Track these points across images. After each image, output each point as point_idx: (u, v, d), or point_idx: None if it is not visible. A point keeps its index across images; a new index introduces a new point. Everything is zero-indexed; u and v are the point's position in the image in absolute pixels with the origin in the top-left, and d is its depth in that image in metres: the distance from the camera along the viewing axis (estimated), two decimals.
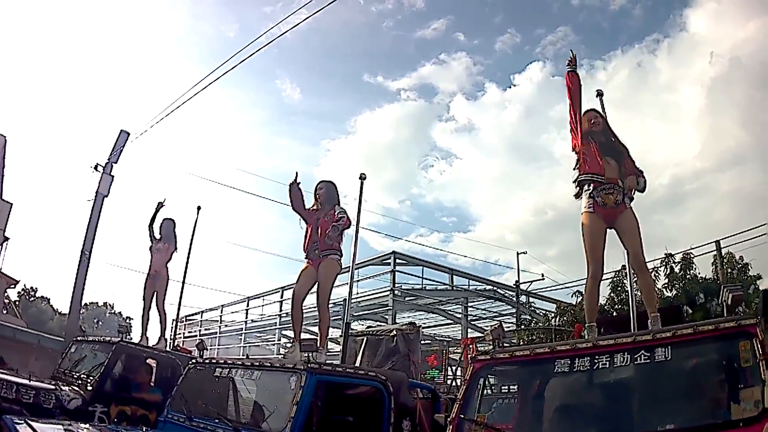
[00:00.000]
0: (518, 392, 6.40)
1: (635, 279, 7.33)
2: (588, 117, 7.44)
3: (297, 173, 9.72)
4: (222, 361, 8.17)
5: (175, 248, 13.33)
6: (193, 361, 8.53)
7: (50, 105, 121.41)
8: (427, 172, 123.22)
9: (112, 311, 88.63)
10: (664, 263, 19.77)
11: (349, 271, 10.17)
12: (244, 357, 9.49)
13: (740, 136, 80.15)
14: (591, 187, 6.94)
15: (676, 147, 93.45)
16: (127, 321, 76.62)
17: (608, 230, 6.92)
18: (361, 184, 9.98)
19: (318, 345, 8.49)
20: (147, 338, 12.76)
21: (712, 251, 20.47)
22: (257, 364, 7.47)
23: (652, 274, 19.16)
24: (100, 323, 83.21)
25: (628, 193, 6.94)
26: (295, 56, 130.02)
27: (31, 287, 75.41)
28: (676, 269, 19.66)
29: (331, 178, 9.86)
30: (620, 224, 6.84)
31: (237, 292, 52.29)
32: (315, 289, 9.51)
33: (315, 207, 9.75)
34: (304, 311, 10.30)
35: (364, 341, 11.22)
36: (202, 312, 39.39)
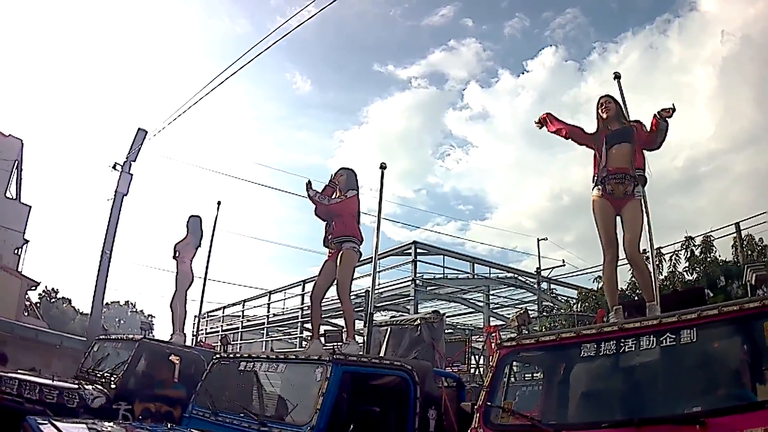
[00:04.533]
0: (544, 377, 6.42)
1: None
2: (599, 103, 7.48)
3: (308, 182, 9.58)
4: (246, 355, 8.17)
5: (199, 244, 13.33)
6: (217, 356, 8.53)
7: (67, 106, 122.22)
8: (444, 161, 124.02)
9: (134, 310, 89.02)
10: (684, 247, 19.68)
11: (371, 261, 10.16)
12: (269, 351, 9.46)
13: (754, 115, 79.97)
14: (603, 175, 7.00)
15: (690, 128, 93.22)
16: (150, 319, 76.95)
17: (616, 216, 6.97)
18: (382, 173, 9.86)
19: (344, 336, 8.50)
20: (184, 335, 12.79)
21: (731, 233, 20.35)
22: (282, 357, 7.47)
23: (673, 258, 19.21)
24: (122, 322, 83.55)
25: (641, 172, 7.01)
26: (303, 48, 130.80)
27: (53, 289, 75.76)
28: (697, 252, 19.58)
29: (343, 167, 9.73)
30: (624, 213, 6.91)
31: (258, 287, 52.36)
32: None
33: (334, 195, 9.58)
34: (326, 303, 10.26)
35: (388, 331, 11.23)
36: (224, 307, 39.42)
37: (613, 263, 6.99)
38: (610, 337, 5.27)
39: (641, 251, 7.13)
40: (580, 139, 7.47)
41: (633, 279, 19.24)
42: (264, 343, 33.26)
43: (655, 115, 7.07)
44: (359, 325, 21.07)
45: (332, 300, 14.58)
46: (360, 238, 9.31)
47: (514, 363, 6.24)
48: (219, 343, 9.67)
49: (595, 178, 7.13)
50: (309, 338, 10.34)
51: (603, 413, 5.13)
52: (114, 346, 11.52)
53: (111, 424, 7.64)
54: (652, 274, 7.01)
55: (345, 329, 9.17)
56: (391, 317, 18.70)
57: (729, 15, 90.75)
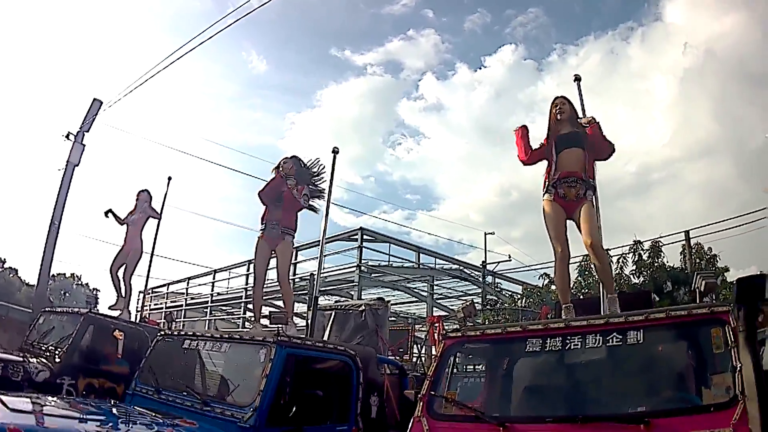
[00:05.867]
0: (488, 370, 6.45)
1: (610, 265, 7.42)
2: (554, 104, 7.48)
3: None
4: (191, 334, 8.12)
5: (155, 215, 13.30)
6: (162, 333, 8.47)
7: (22, 73, 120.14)
8: (395, 149, 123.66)
9: (80, 282, 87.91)
10: (632, 250, 19.84)
11: (318, 245, 10.21)
12: (213, 329, 9.52)
13: (711, 127, 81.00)
14: (555, 179, 7.05)
15: (645, 135, 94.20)
16: (95, 292, 76.25)
17: (568, 220, 7.00)
18: (334, 158, 9.93)
19: (287, 318, 8.53)
20: (129, 312, 12.75)
21: (680, 240, 20.61)
22: (227, 336, 7.45)
23: (620, 260, 19.40)
24: (68, 295, 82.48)
25: (591, 181, 7.08)
26: (260, 27, 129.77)
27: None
28: (644, 257, 19.76)
29: (296, 152, 9.94)
30: (578, 213, 6.93)
31: (202, 264, 52.16)
32: (273, 265, 9.67)
33: (277, 179, 9.70)
34: (267, 285, 10.40)
35: (333, 315, 11.24)
36: (168, 284, 39.20)
37: (564, 260, 7.04)
38: (556, 333, 5.33)
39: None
40: (538, 158, 7.44)
41: (579, 279, 19.49)
42: (207, 321, 33.16)
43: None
44: (303, 308, 21.08)
45: (273, 282, 14.62)
46: (296, 231, 9.81)
47: (458, 354, 6.25)
48: (164, 320, 9.61)
49: (546, 183, 7.17)
50: (251, 321, 10.44)
51: (547, 408, 5.17)
52: (59, 319, 11.38)
53: (56, 399, 7.55)
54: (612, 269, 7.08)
55: (285, 311, 9.36)
56: (336, 302, 18.75)
57: (693, 28, 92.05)
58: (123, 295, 12.75)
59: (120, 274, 12.93)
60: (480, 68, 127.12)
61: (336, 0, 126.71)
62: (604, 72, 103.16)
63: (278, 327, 7.49)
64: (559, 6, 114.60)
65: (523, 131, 7.54)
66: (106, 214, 13.22)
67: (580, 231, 6.94)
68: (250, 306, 29.33)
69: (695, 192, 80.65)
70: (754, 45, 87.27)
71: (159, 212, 13.52)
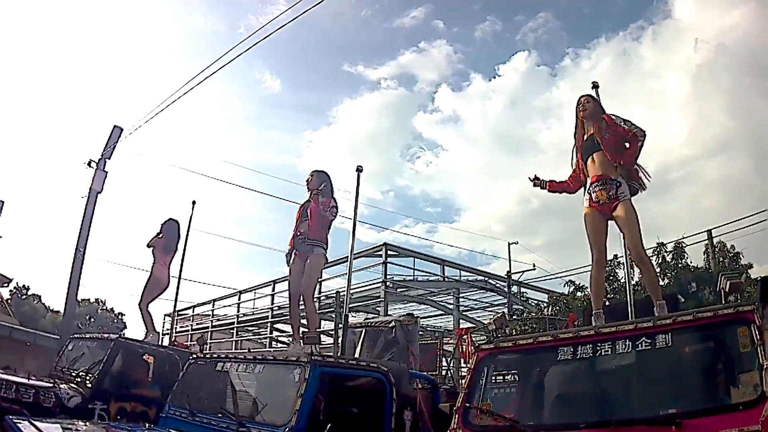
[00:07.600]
0: (520, 380, 6.50)
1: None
2: (579, 103, 7.65)
3: None
4: (223, 356, 8.18)
5: (175, 249, 13.27)
6: (194, 356, 8.55)
7: (42, 101, 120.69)
8: (414, 163, 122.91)
9: (104, 308, 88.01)
10: (655, 252, 19.78)
11: (346, 262, 10.27)
12: (246, 351, 9.55)
13: (727, 122, 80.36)
14: (587, 186, 7.23)
15: (661, 134, 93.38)
16: (120, 317, 76.56)
17: (609, 221, 7.11)
18: (358, 176, 10.00)
19: (319, 337, 8.60)
20: (158, 334, 12.80)
21: (703, 240, 20.54)
22: (260, 357, 7.53)
23: None
24: (93, 320, 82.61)
25: (626, 179, 7.11)
26: (272, 47, 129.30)
27: (23, 285, 75.03)
28: (668, 258, 19.71)
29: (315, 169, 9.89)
30: (616, 217, 7.04)
31: (226, 286, 52.07)
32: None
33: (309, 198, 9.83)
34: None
35: (363, 333, 11.29)
36: (194, 306, 39.14)
37: (600, 266, 7.20)
38: (587, 340, 5.39)
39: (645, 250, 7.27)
40: (581, 181, 7.65)
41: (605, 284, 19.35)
42: (233, 342, 33.15)
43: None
44: (330, 325, 21.11)
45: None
46: (328, 245, 9.74)
47: (493, 365, 6.31)
48: (195, 343, 9.69)
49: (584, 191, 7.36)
50: (278, 340, 10.54)
51: (580, 415, 5.22)
52: (89, 345, 11.48)
53: (89, 424, 7.66)
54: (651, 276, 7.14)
55: (308, 329, 9.40)
56: (365, 319, 18.77)
57: (703, 23, 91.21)
58: (147, 324, 12.78)
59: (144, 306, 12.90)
60: (494, 77, 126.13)
61: (346, 16, 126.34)
62: (617, 74, 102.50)
63: (311, 346, 7.54)
64: (568, 9, 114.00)
65: (543, 183, 8.07)
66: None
67: (623, 237, 7.04)
68: (277, 326, 29.50)
69: (714, 189, 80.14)
70: (766, 35, 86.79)
71: (177, 243, 13.46)
